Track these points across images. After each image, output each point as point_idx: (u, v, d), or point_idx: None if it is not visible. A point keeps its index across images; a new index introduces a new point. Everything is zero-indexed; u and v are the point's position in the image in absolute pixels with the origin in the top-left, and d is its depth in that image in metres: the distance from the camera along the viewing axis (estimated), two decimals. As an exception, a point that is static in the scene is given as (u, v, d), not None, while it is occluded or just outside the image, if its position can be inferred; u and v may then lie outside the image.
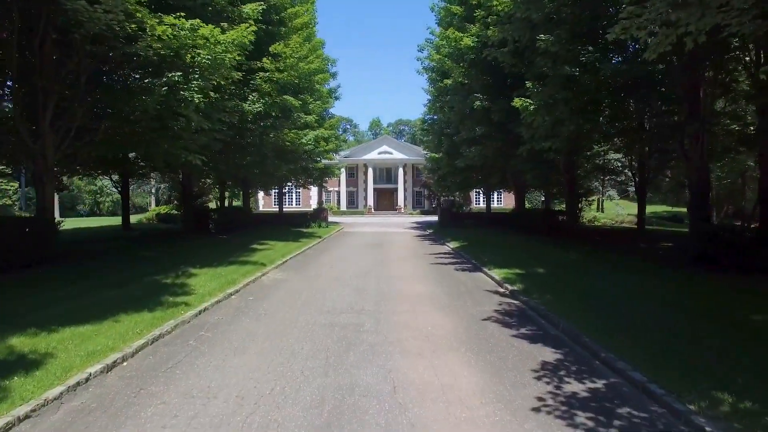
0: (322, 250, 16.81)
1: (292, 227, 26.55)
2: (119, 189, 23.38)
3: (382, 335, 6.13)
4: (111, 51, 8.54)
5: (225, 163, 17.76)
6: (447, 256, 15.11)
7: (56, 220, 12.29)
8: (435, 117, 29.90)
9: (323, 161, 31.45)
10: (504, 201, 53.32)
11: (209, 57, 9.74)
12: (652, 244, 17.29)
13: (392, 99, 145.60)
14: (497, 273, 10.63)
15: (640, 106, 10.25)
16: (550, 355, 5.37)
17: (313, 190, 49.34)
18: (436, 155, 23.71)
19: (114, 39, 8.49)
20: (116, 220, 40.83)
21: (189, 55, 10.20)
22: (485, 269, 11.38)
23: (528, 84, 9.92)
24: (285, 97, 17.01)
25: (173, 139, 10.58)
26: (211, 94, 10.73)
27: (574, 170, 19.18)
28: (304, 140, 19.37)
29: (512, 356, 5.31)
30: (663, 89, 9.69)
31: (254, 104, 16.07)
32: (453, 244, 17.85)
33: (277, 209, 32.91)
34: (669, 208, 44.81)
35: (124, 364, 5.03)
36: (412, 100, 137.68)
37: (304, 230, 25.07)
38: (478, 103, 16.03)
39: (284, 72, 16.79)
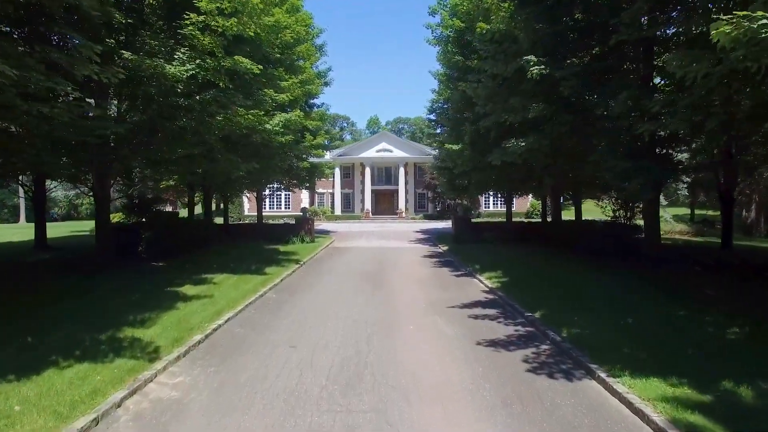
0: (290, 294, 10.90)
1: (268, 243, 20.57)
2: (30, 194, 17.48)
3: None
4: None
5: (144, 155, 11.81)
6: (491, 311, 9.16)
7: None
8: (446, 104, 24.17)
9: (311, 159, 25.63)
10: (517, 205, 47.34)
11: None
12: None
13: (391, 98, 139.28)
14: (645, 396, 4.77)
15: None
16: None
17: (305, 192, 43.45)
18: (455, 146, 17.67)
19: None
20: (86, 225, 34.57)
21: None
22: (602, 374, 5.45)
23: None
24: (237, 57, 11.10)
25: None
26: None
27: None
28: (269, 125, 13.39)
29: None
30: None
31: (183, 66, 10.17)
32: (488, 280, 11.97)
33: (267, 215, 26.96)
34: (690, 211, 39.23)
35: None
36: (411, 100, 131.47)
37: (281, 248, 19.14)
38: (535, 69, 10.09)
39: (232, 18, 10.85)
